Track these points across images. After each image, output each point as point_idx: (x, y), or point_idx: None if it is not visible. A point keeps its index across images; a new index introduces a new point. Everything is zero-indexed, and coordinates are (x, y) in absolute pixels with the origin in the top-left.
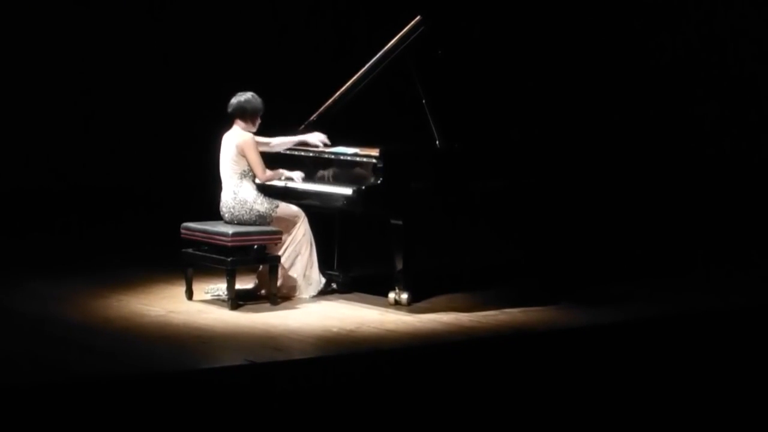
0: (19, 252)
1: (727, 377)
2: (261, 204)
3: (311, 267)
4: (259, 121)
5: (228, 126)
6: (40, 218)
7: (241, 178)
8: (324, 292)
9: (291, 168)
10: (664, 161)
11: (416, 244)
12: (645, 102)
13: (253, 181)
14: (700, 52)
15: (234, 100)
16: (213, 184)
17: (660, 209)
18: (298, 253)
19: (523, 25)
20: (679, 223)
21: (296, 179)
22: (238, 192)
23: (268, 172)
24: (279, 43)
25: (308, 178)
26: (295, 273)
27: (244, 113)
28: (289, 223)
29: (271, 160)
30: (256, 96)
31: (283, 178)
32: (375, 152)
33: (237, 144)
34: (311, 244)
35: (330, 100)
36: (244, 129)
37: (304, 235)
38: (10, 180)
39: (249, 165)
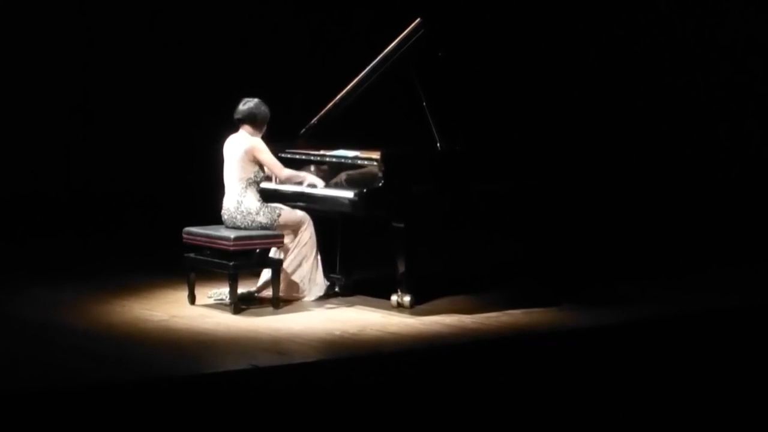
0: (22, 258)
1: (728, 377)
2: (264, 215)
3: (316, 269)
4: (265, 128)
5: (232, 130)
6: (42, 224)
7: (246, 187)
8: (327, 295)
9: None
10: (665, 161)
11: (418, 247)
12: (644, 102)
13: (258, 190)
14: (704, 58)
15: (244, 107)
16: (215, 188)
17: (663, 210)
18: (304, 256)
19: (524, 26)
20: (682, 223)
21: (318, 186)
22: (242, 201)
23: (287, 171)
24: (279, 46)
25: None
26: (300, 276)
27: (255, 120)
28: (295, 227)
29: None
30: (263, 103)
31: (305, 183)
32: (376, 155)
33: (246, 149)
34: (316, 248)
35: (331, 104)
36: (251, 135)
37: (309, 238)
38: (12, 185)
39: (264, 168)
